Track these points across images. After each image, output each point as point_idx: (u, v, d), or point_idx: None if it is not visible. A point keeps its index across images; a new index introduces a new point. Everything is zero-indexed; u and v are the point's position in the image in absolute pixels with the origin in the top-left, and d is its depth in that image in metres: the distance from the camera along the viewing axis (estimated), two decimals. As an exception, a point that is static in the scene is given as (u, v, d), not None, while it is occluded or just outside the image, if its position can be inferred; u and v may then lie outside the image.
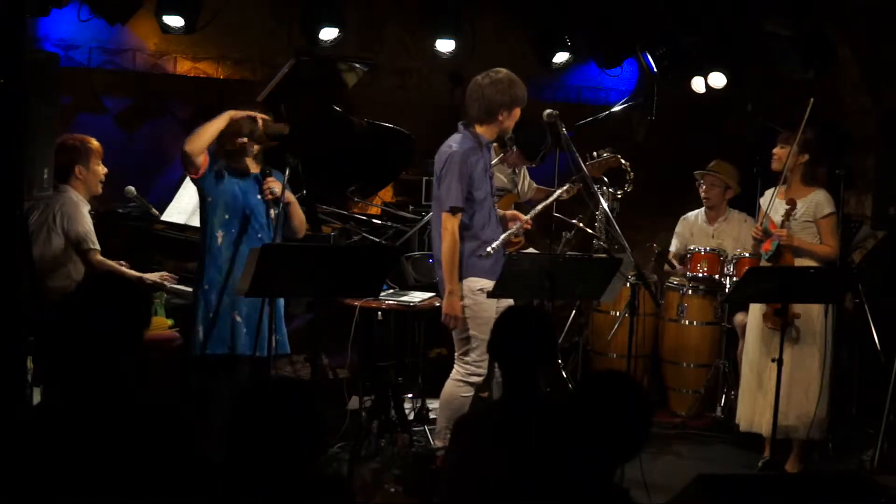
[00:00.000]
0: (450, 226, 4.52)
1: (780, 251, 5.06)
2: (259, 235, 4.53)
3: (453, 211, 4.51)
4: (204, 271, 4.48)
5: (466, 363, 4.59)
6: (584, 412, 2.51)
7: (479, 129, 4.63)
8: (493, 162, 4.90)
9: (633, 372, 5.16)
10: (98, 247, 4.78)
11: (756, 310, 5.28)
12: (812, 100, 5.03)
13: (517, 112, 4.63)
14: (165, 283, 4.92)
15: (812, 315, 5.09)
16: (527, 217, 4.71)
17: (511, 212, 4.91)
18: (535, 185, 6.15)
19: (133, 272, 4.91)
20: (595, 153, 5.61)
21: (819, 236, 5.14)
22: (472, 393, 4.60)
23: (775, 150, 5.22)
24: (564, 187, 4.92)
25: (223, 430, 2.34)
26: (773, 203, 5.21)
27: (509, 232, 4.61)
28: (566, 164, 5.54)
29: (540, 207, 4.81)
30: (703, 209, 6.45)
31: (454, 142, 4.62)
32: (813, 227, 5.13)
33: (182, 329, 5.00)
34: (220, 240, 4.46)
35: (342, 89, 5.81)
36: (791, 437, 5.19)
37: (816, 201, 5.14)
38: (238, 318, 4.45)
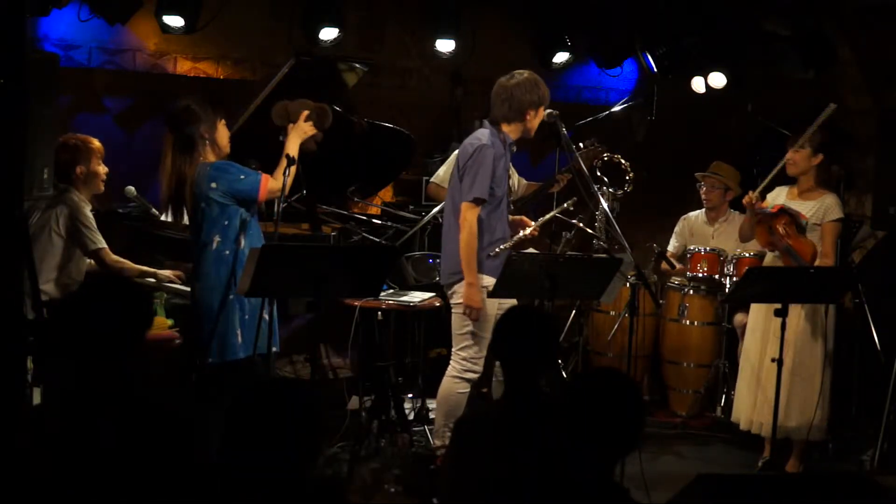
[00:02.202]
0: (469, 217, 4.53)
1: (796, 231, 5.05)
2: (260, 234, 4.52)
3: (477, 202, 4.53)
4: (233, 275, 4.32)
5: (463, 359, 4.60)
6: (577, 409, 2.51)
7: (505, 129, 4.67)
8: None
9: (633, 372, 5.17)
10: (105, 245, 4.79)
11: (756, 309, 5.27)
12: (834, 105, 5.01)
13: (542, 112, 4.68)
14: (178, 278, 4.92)
15: (818, 316, 5.08)
16: (535, 224, 4.76)
17: (518, 217, 4.93)
18: (524, 181, 6.14)
19: (146, 268, 4.93)
20: (581, 143, 5.59)
21: (820, 240, 5.13)
22: (468, 389, 4.61)
23: (789, 156, 5.17)
24: (569, 201, 4.94)
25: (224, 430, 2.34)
26: (776, 199, 5.21)
27: (518, 236, 4.63)
28: (566, 164, 5.55)
29: (548, 217, 4.86)
30: (703, 210, 6.45)
31: (483, 136, 4.64)
32: (818, 231, 5.11)
33: (182, 330, 5.00)
34: (242, 242, 4.38)
35: (342, 89, 5.80)
36: (791, 437, 5.18)
37: (827, 205, 5.12)
38: (265, 317, 4.38)
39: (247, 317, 4.36)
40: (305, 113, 4.47)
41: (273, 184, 4.37)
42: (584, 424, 2.49)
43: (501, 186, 4.63)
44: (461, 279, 4.58)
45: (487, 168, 4.52)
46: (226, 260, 4.35)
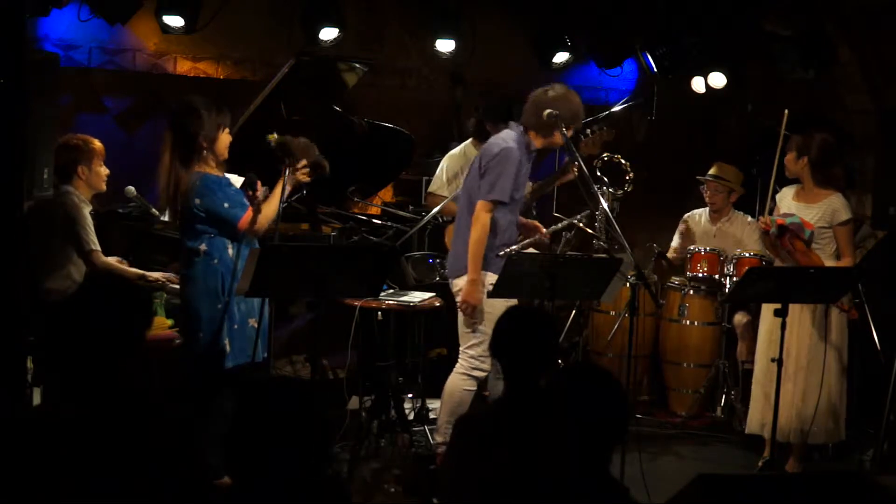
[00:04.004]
0: (483, 216, 4.54)
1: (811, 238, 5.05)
2: (254, 241, 4.49)
3: (495, 203, 4.54)
4: (221, 284, 4.32)
5: (471, 357, 4.60)
6: (560, 406, 2.53)
7: (532, 136, 4.67)
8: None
9: (633, 372, 5.17)
10: (98, 247, 4.77)
11: (767, 317, 5.22)
12: (787, 111, 5.03)
13: (570, 131, 4.66)
14: (168, 282, 4.90)
15: (831, 318, 5.07)
16: (547, 231, 4.80)
17: (531, 222, 4.93)
18: (530, 184, 6.12)
19: (134, 270, 4.92)
20: (588, 130, 5.58)
21: (835, 243, 5.12)
22: (474, 387, 4.60)
23: (786, 159, 5.18)
24: (582, 214, 4.95)
25: (223, 435, 2.34)
26: (783, 201, 5.21)
27: (528, 241, 4.65)
28: (566, 164, 5.54)
29: (560, 225, 4.88)
30: (707, 209, 6.44)
31: (510, 138, 4.65)
32: (829, 233, 5.08)
33: (182, 330, 5.00)
34: (230, 250, 4.37)
35: (342, 89, 5.80)
36: (812, 441, 5.13)
37: (833, 207, 5.08)
38: (256, 325, 4.38)
39: (236, 326, 4.35)
40: (304, 162, 4.40)
41: (249, 224, 4.31)
42: (568, 419, 2.50)
43: (520, 191, 4.65)
44: (465, 274, 4.59)
45: (511, 171, 4.54)
46: (214, 269, 4.33)
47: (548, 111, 4.82)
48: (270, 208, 4.36)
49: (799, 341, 5.02)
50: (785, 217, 5.08)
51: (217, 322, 4.31)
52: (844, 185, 5.50)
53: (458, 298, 4.64)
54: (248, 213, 4.33)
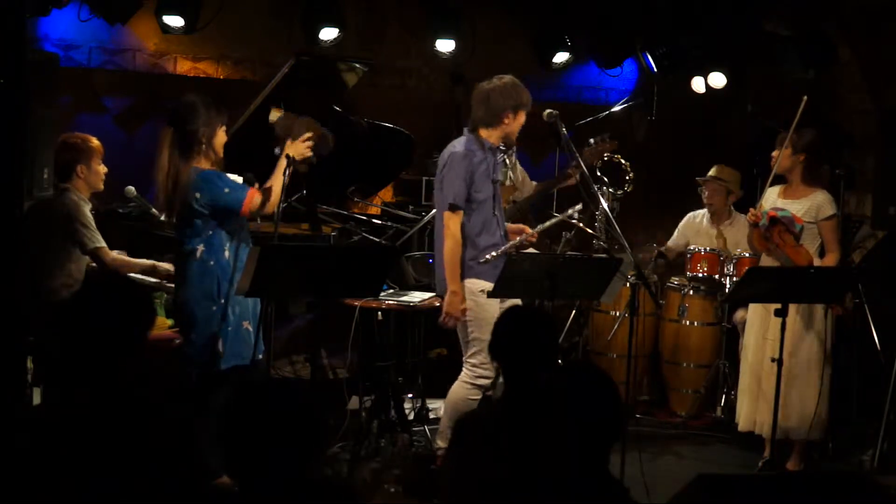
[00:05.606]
0: (451, 225, 4.53)
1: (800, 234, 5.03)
2: (249, 241, 4.49)
3: (453, 209, 4.53)
4: (217, 286, 4.31)
5: (473, 366, 4.58)
6: (555, 405, 2.53)
7: (483, 133, 4.65)
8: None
9: (633, 372, 5.17)
10: (103, 244, 4.78)
11: (755, 309, 5.26)
12: (805, 97, 5.00)
13: (522, 116, 4.65)
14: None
15: (814, 315, 5.08)
16: (532, 231, 4.76)
17: (516, 225, 4.93)
18: (533, 183, 6.13)
19: (143, 261, 4.91)
20: (591, 140, 5.59)
21: (821, 238, 5.13)
22: (479, 396, 4.57)
23: (774, 154, 5.16)
24: (574, 209, 4.91)
25: (220, 434, 2.33)
26: (767, 199, 5.20)
27: (511, 243, 4.62)
28: (566, 165, 5.54)
29: (548, 224, 4.85)
30: (707, 211, 6.43)
31: (457, 143, 4.67)
32: (814, 229, 5.10)
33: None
34: (226, 252, 4.37)
35: (342, 89, 5.81)
36: (791, 437, 5.17)
37: (818, 203, 5.09)
38: (249, 328, 4.39)
39: (230, 329, 4.35)
40: (307, 135, 4.41)
41: (258, 199, 4.31)
42: (563, 418, 2.51)
43: (483, 190, 4.59)
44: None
45: (460, 173, 4.52)
46: (210, 270, 4.32)
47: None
48: (275, 185, 4.34)
49: (786, 339, 5.02)
50: (777, 211, 5.09)
51: (211, 324, 4.31)
52: (840, 183, 5.52)
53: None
54: (250, 195, 4.31)
